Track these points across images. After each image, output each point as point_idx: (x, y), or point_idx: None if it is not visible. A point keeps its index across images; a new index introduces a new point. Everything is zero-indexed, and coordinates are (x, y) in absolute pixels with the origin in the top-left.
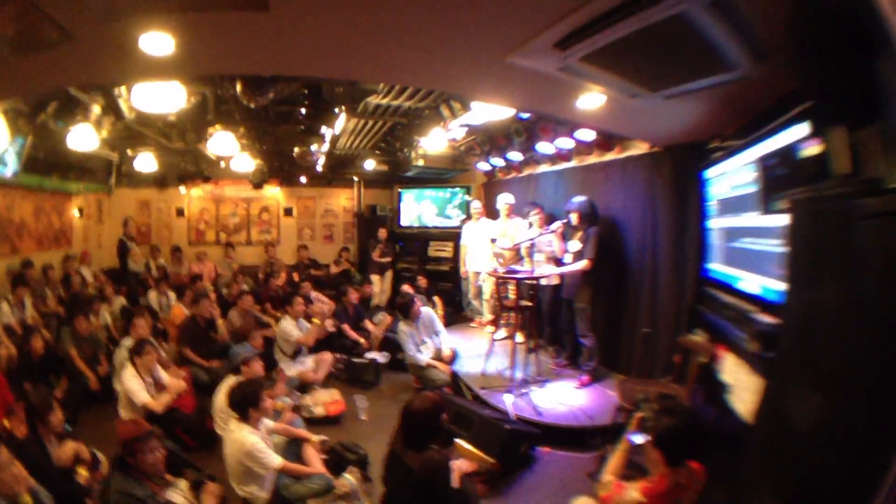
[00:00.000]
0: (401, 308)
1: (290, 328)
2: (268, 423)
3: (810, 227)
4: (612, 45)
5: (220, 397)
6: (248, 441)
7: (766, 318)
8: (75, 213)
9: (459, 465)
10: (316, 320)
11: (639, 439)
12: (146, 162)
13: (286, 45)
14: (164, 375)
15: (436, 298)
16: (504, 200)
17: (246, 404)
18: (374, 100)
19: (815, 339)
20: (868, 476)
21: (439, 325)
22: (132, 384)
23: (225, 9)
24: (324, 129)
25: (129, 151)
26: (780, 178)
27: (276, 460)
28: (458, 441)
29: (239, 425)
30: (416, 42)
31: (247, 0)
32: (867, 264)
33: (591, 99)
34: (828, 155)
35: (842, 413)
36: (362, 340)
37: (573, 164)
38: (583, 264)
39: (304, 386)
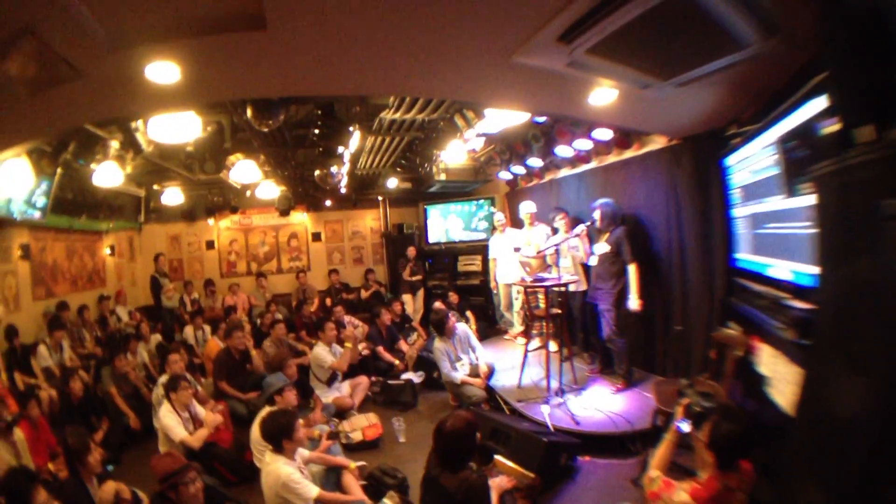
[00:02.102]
0: (435, 325)
1: (324, 354)
2: (303, 452)
3: (838, 202)
4: (617, 33)
5: (255, 429)
6: (284, 472)
7: (801, 304)
8: (107, 251)
9: (499, 483)
10: (349, 344)
11: (686, 427)
12: (173, 196)
13: (289, 64)
14: (200, 410)
15: (468, 314)
16: (525, 209)
17: (279, 435)
18: (387, 115)
19: (853, 321)
20: None
21: (474, 340)
22: (169, 421)
23: (223, 31)
24: (341, 150)
25: (155, 186)
26: (801, 156)
27: (313, 491)
28: (497, 457)
29: (274, 457)
30: (417, 49)
31: (244, 21)
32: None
33: (603, 94)
34: (847, 124)
35: (884, 397)
36: (397, 362)
37: (593, 164)
38: (632, 270)
39: (341, 412)
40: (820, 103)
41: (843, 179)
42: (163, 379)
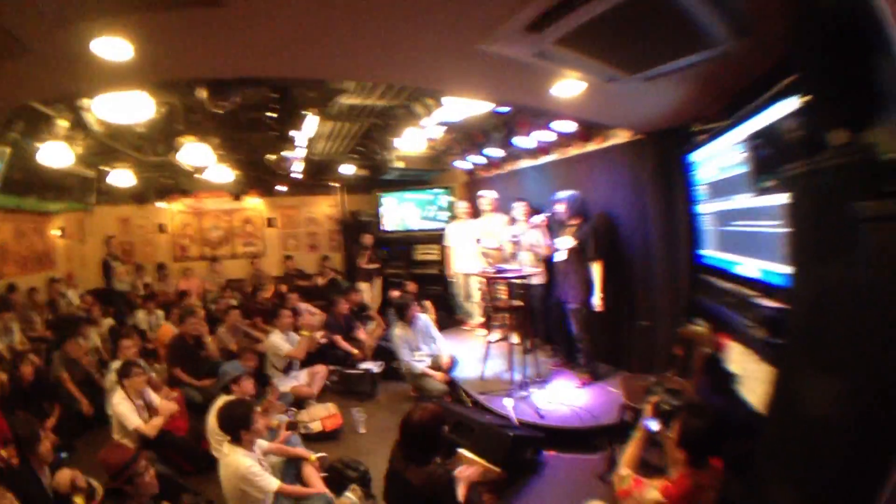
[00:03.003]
0: (397, 308)
1: (280, 342)
2: (262, 443)
3: (810, 203)
4: (587, 25)
5: (212, 419)
6: (243, 464)
7: (770, 303)
8: (56, 233)
9: (467, 475)
10: (305, 332)
11: (655, 425)
12: (123, 177)
13: (244, 44)
14: (154, 398)
15: (427, 303)
16: (486, 197)
17: (237, 426)
18: (345, 100)
19: (825, 322)
20: (887, 461)
21: (435, 331)
22: (122, 408)
23: (177, 6)
24: (296, 134)
25: (105, 167)
26: (770, 156)
27: (273, 483)
28: (461, 451)
29: (232, 448)
30: (379, 33)
31: None
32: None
33: (568, 86)
34: (819, 126)
35: (857, 397)
36: (355, 351)
37: (555, 157)
38: (596, 269)
39: (299, 401)
40: (790, 104)
41: (816, 181)
42: (115, 364)
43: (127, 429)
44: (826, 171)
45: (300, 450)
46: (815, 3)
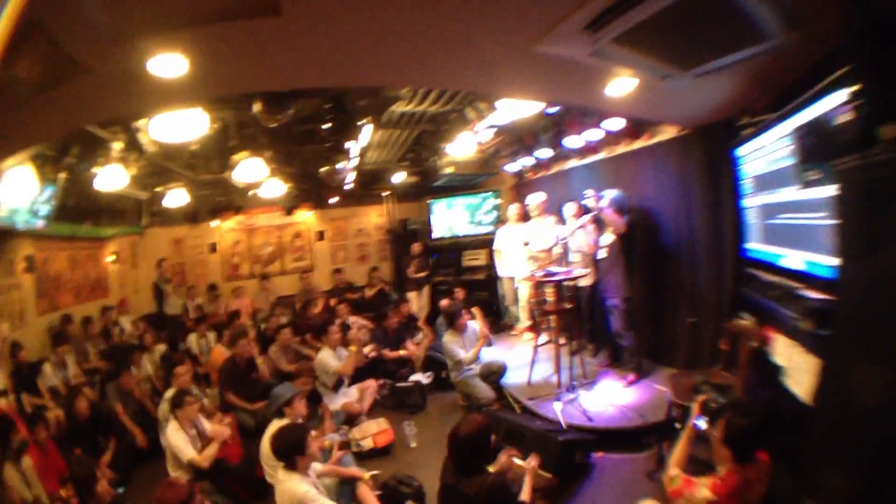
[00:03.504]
0: (448, 315)
1: (328, 359)
2: (316, 466)
3: (862, 197)
4: (644, 23)
5: (265, 446)
6: (300, 490)
7: (817, 295)
8: (110, 259)
9: (532, 466)
10: (353, 347)
11: (703, 424)
12: (177, 197)
13: (303, 54)
14: (207, 425)
15: (474, 310)
16: (535, 200)
17: (291, 452)
18: (398, 108)
19: (876, 313)
20: None
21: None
22: (176, 440)
23: (235, 18)
24: (349, 144)
25: (157, 188)
26: (819, 148)
27: None
28: (512, 458)
29: (287, 474)
30: (439, 39)
31: (257, 5)
32: None
33: (621, 84)
34: (872, 119)
35: None
36: (405, 352)
37: (602, 155)
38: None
39: (350, 418)
40: (840, 97)
41: (868, 175)
42: (168, 394)
43: (181, 461)
44: (878, 165)
45: (354, 470)
46: None
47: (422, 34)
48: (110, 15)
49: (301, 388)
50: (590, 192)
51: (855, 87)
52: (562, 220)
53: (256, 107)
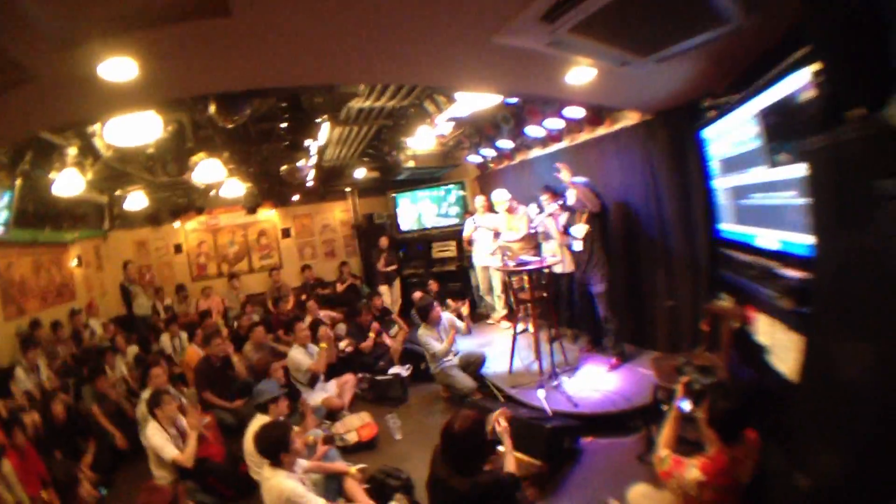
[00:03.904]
0: (420, 311)
1: (300, 357)
2: (302, 462)
3: (832, 176)
4: (600, 11)
5: (249, 444)
6: (287, 488)
7: (794, 273)
8: (74, 262)
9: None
10: (324, 344)
11: (687, 406)
12: (137, 200)
13: (255, 54)
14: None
15: (460, 306)
16: (499, 198)
17: (276, 449)
18: (356, 104)
19: (854, 288)
20: None
21: (459, 323)
22: (157, 440)
23: (184, 20)
24: (308, 142)
25: (118, 192)
26: (785, 128)
27: (320, 503)
28: (501, 449)
29: (273, 472)
30: (394, 34)
31: (207, 7)
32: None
33: (581, 73)
34: (836, 97)
35: (890, 360)
36: (387, 342)
37: (565, 143)
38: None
39: (332, 413)
40: (803, 76)
41: (836, 154)
42: (145, 395)
43: (164, 460)
44: (846, 143)
45: (340, 465)
46: None
47: (376, 30)
48: (56, 20)
49: (279, 380)
50: (563, 167)
51: (816, 67)
52: (540, 209)
53: (212, 108)
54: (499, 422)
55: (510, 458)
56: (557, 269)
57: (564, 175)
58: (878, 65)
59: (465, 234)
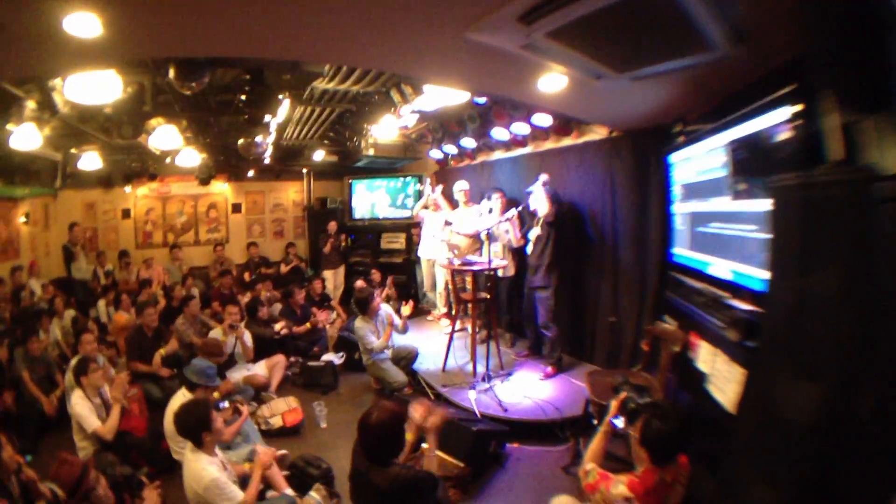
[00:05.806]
0: (358, 303)
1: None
2: (230, 455)
3: (800, 215)
4: (581, 20)
5: (169, 423)
6: (207, 477)
7: (744, 305)
8: (22, 219)
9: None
10: (239, 332)
11: (620, 423)
12: (91, 160)
13: (219, 20)
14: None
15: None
16: (460, 187)
17: (197, 428)
18: (320, 85)
19: (805, 329)
20: (865, 466)
21: (397, 319)
22: (80, 409)
23: None
24: (268, 118)
25: (73, 150)
26: (755, 163)
27: (239, 495)
28: (425, 446)
29: (196, 455)
30: (366, 15)
31: None
32: (883, 248)
33: (553, 80)
34: (814, 140)
35: (835, 402)
36: (320, 318)
37: (529, 150)
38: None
39: (258, 392)
40: (782, 114)
41: (806, 194)
42: (73, 362)
43: (86, 430)
44: (818, 185)
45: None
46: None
47: (346, 9)
48: None
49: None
50: (545, 177)
51: (798, 107)
52: (489, 210)
53: (171, 72)
54: (426, 417)
55: (433, 457)
56: (501, 273)
57: (542, 177)
58: (873, 78)
59: (415, 211)
